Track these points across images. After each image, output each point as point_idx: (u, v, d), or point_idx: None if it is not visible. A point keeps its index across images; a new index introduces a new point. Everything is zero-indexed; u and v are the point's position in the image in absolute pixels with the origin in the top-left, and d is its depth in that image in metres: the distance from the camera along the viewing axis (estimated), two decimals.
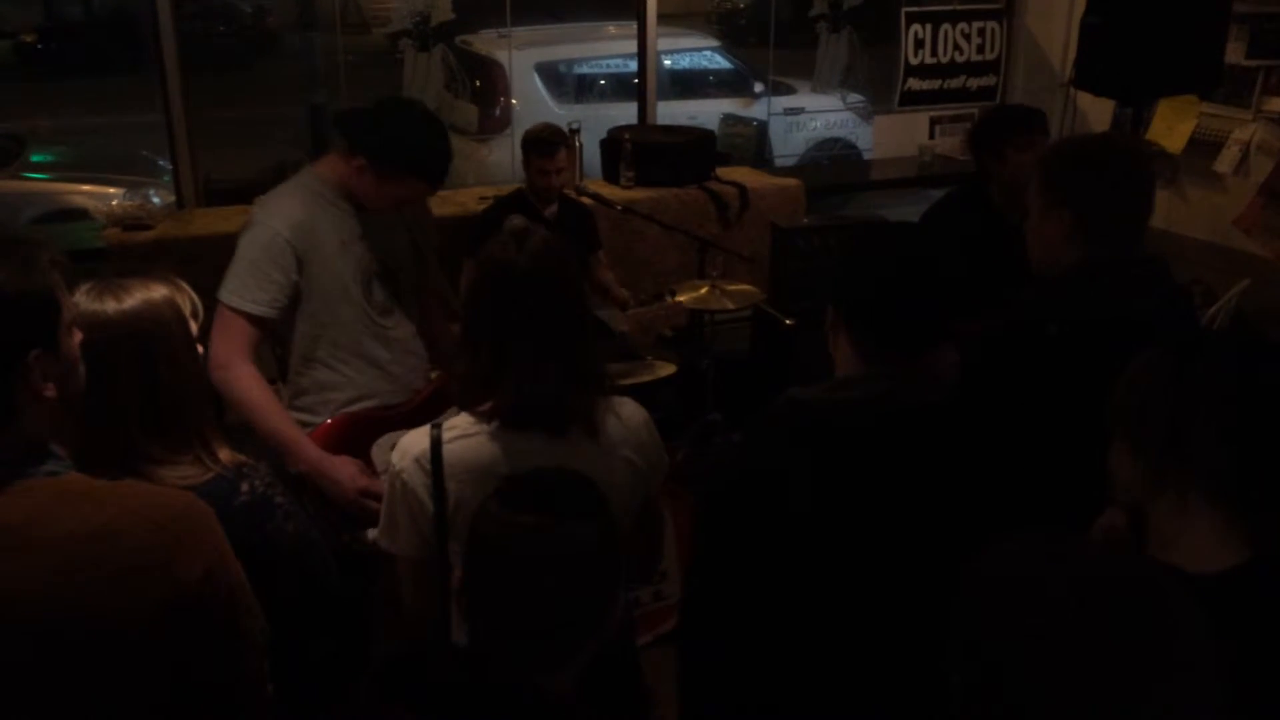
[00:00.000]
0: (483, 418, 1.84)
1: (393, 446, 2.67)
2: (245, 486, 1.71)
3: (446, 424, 1.85)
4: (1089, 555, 1.11)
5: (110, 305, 1.64)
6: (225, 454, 1.72)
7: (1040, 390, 1.84)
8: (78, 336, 1.46)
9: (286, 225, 2.56)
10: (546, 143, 4.00)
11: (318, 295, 2.63)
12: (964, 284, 1.66)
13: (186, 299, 1.75)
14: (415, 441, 1.85)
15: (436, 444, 1.82)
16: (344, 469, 2.55)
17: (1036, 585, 1.06)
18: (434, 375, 2.95)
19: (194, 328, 1.75)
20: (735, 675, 1.65)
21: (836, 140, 8.32)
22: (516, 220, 3.92)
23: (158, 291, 1.69)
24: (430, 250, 2.99)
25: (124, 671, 1.40)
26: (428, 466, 1.82)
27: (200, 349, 1.78)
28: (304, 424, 2.65)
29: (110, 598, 1.36)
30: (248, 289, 2.53)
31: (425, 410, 2.79)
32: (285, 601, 1.65)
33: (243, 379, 2.50)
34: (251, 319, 2.54)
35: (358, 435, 2.68)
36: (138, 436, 1.64)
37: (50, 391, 1.38)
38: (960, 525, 1.60)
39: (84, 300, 1.63)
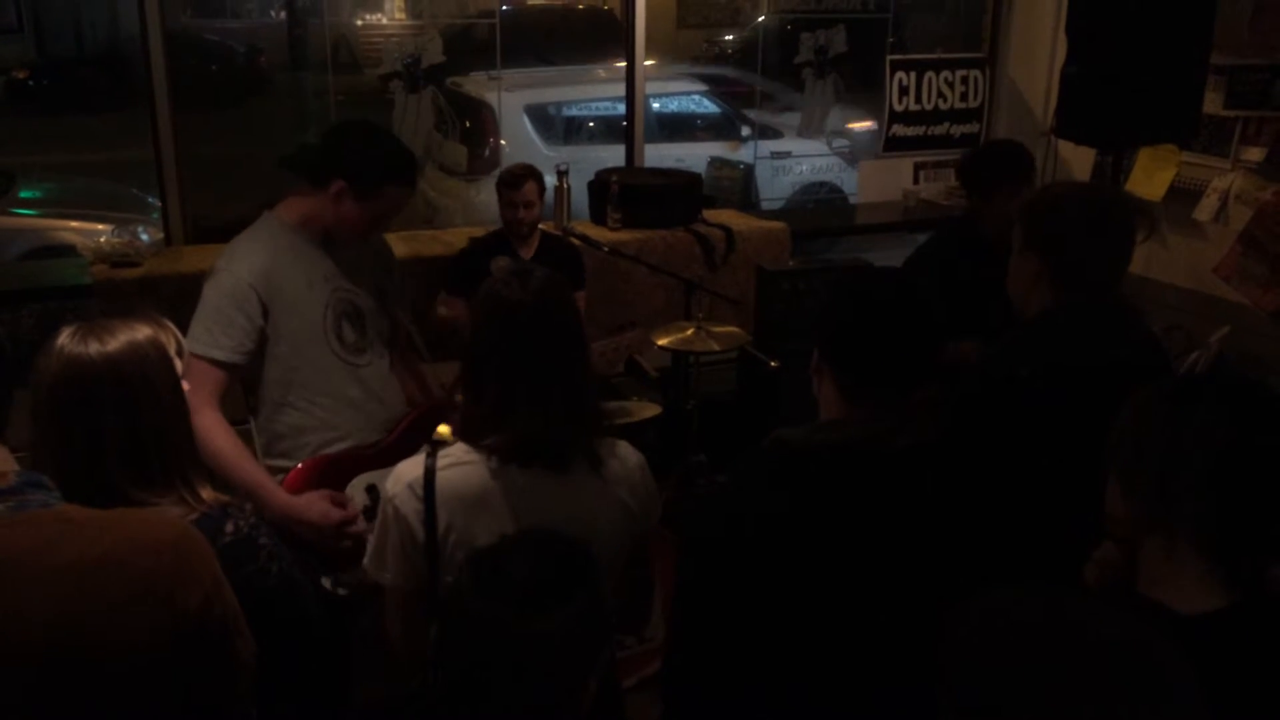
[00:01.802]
0: (483, 450, 1.85)
1: (366, 487, 2.70)
2: (230, 526, 1.70)
3: (442, 452, 1.86)
4: (1078, 601, 1.12)
5: (93, 348, 1.64)
6: (208, 493, 1.72)
7: (1012, 433, 1.86)
8: None
9: (249, 270, 2.57)
10: (514, 175, 4.04)
11: (285, 339, 2.63)
12: (945, 326, 1.68)
13: (171, 338, 1.75)
14: (409, 469, 1.86)
15: (430, 472, 1.82)
16: (313, 508, 2.53)
17: (1025, 630, 1.07)
18: (409, 407, 2.96)
19: (179, 366, 1.75)
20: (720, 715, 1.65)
21: (822, 184, 8.39)
22: (503, 260, 3.96)
23: (141, 332, 1.69)
24: (395, 287, 3.01)
25: (128, 697, 1.40)
26: (420, 493, 1.82)
27: (186, 386, 1.78)
28: (281, 469, 2.65)
29: (114, 624, 1.36)
30: (212, 335, 2.54)
31: (398, 448, 2.79)
32: (268, 642, 1.64)
33: (208, 427, 2.47)
34: (217, 364, 2.54)
35: (331, 477, 2.67)
36: (118, 478, 1.63)
37: None
38: (941, 568, 1.61)
39: (67, 343, 1.63)
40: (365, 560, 1.92)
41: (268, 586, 1.72)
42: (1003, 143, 3.71)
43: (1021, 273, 2.09)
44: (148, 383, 1.66)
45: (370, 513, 2.68)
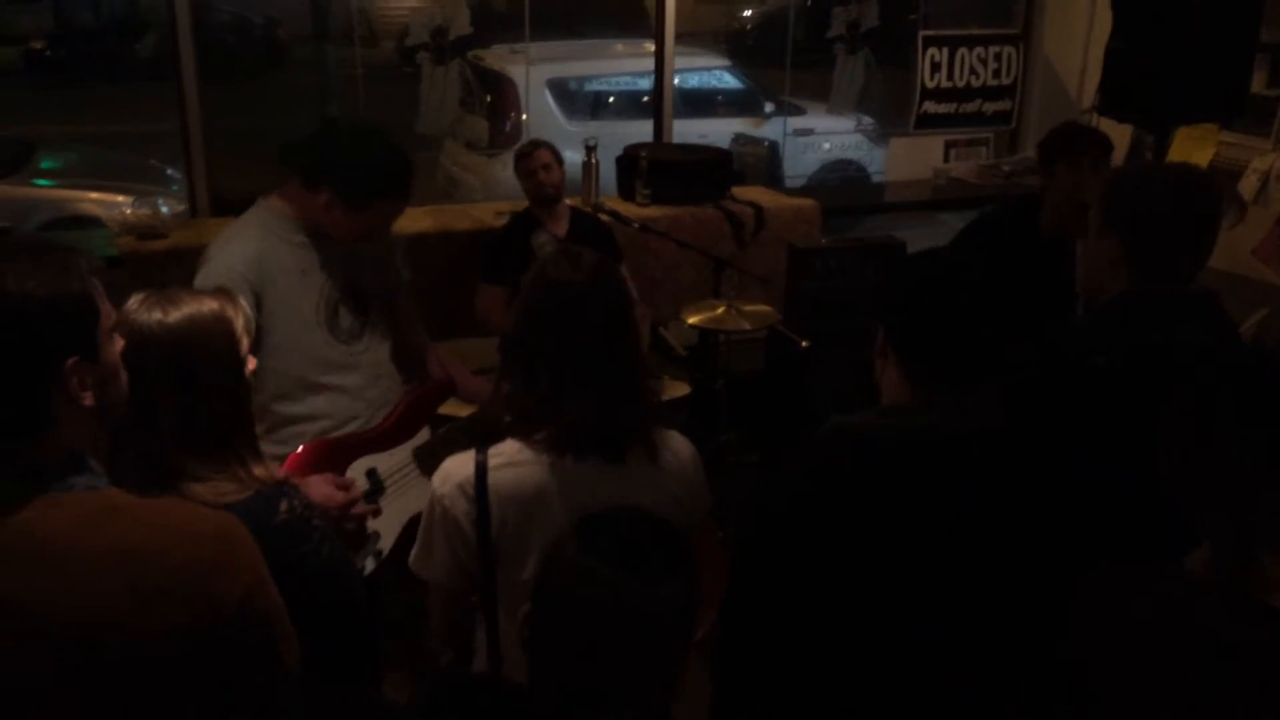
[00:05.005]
0: (535, 445, 1.79)
1: (366, 471, 2.66)
2: (284, 505, 1.67)
3: (493, 449, 1.81)
4: (1195, 596, 1.08)
5: (155, 317, 1.63)
6: (262, 471, 1.69)
7: (1088, 422, 1.80)
8: (119, 343, 1.42)
9: (241, 260, 2.52)
10: (524, 147, 4.08)
11: (279, 329, 2.58)
12: (1013, 311, 1.63)
13: (240, 313, 1.73)
14: (459, 467, 1.80)
15: (482, 470, 1.76)
16: (315, 490, 2.45)
17: (1150, 626, 1.03)
18: (406, 389, 2.91)
19: (245, 344, 1.72)
20: (775, 709, 1.61)
21: (849, 162, 8.32)
22: (544, 238, 3.90)
23: (207, 305, 1.67)
24: (394, 266, 2.95)
25: (159, 691, 1.36)
26: (471, 493, 1.77)
27: (253, 364, 1.75)
28: (280, 456, 2.57)
29: (148, 615, 1.32)
30: None
31: (397, 431, 2.76)
32: (315, 626, 1.61)
33: None
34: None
35: (331, 461, 2.62)
36: (173, 452, 1.62)
37: (89, 400, 1.35)
38: (1006, 557, 1.57)
39: (133, 308, 1.62)
40: (410, 558, 1.88)
41: (319, 567, 1.69)
42: (1074, 123, 3.62)
43: (1098, 255, 2.01)
44: (206, 359, 1.65)
45: (370, 496, 2.64)
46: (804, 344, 4.08)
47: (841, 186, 7.63)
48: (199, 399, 1.64)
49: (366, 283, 2.76)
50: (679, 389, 3.98)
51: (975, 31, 5.83)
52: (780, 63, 8.15)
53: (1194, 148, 4.74)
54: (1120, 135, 4.97)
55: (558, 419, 1.78)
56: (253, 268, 2.52)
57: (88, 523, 1.33)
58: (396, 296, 2.94)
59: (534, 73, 7.47)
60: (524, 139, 6.79)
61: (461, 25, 5.11)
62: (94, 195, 7.12)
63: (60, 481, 1.34)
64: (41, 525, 1.31)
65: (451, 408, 3.05)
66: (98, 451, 1.44)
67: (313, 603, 1.58)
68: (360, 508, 2.49)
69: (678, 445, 1.91)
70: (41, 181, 7.41)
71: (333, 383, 2.69)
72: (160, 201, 4.88)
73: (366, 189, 2.52)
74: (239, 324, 1.71)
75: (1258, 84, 4.32)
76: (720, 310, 3.89)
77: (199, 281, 2.50)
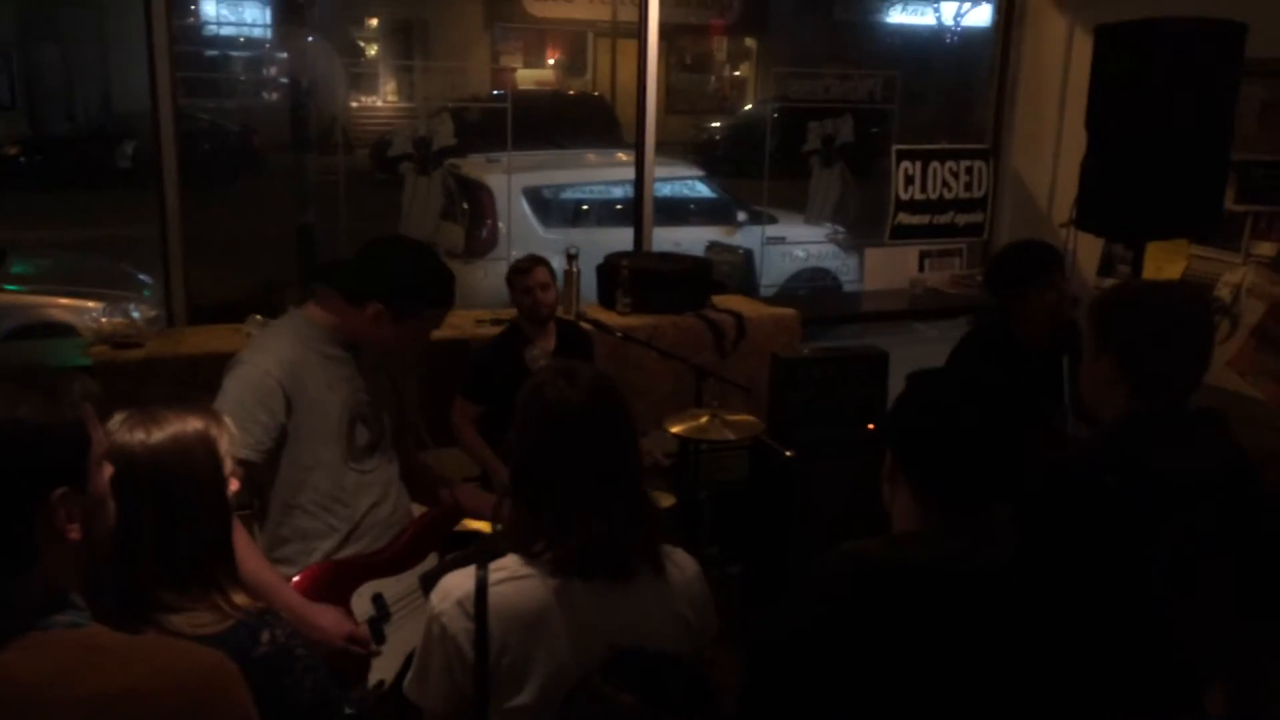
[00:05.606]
0: (539, 563, 1.73)
1: (372, 596, 2.58)
2: (266, 636, 1.60)
3: (494, 564, 1.74)
4: None
5: (137, 437, 1.58)
6: (242, 599, 1.62)
7: (1100, 544, 1.77)
8: (108, 471, 1.36)
9: (277, 364, 2.51)
10: (521, 264, 4.02)
11: (303, 438, 2.55)
12: (1024, 433, 1.61)
13: (224, 433, 1.67)
14: (459, 583, 1.73)
15: (482, 586, 1.69)
16: (326, 615, 2.43)
17: None
18: (417, 514, 2.87)
19: (229, 465, 1.66)
20: None
21: (823, 271, 8.41)
22: (537, 352, 3.85)
23: (192, 425, 1.62)
24: (409, 383, 2.94)
25: None
26: (471, 610, 1.69)
27: (235, 485, 1.69)
28: (283, 576, 2.53)
29: None
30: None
31: (405, 555, 2.71)
32: None
33: None
34: (235, 462, 2.44)
35: (337, 584, 2.57)
36: (150, 581, 1.54)
37: (75, 533, 1.28)
38: (1022, 691, 1.52)
39: (115, 429, 1.56)
40: (405, 682, 1.79)
41: (301, 701, 1.61)
42: (1025, 242, 3.69)
43: (1095, 375, 2.00)
44: (188, 477, 1.60)
45: (375, 623, 2.57)
46: (788, 454, 4.05)
47: (818, 295, 7.69)
48: (180, 521, 1.58)
49: (382, 401, 2.75)
50: (663, 500, 3.91)
51: (946, 146, 5.98)
52: (747, 172, 8.29)
53: (1165, 260, 4.83)
54: (1091, 246, 5.07)
55: (563, 542, 1.72)
56: (287, 372, 2.51)
57: (71, 667, 1.26)
58: (405, 415, 2.92)
59: (509, 181, 7.55)
60: (500, 247, 6.86)
61: (445, 136, 5.16)
62: (64, 301, 7.02)
63: (42, 620, 1.26)
64: (22, 670, 1.23)
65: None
66: (76, 581, 1.37)
67: None
68: (365, 644, 2.43)
69: (683, 561, 1.86)
70: (11, 287, 7.32)
71: (346, 501, 2.65)
72: (132, 307, 4.83)
73: (417, 298, 2.56)
74: (223, 444, 1.66)
75: (1227, 200, 4.42)
76: (704, 420, 3.87)
77: (230, 383, 2.50)
